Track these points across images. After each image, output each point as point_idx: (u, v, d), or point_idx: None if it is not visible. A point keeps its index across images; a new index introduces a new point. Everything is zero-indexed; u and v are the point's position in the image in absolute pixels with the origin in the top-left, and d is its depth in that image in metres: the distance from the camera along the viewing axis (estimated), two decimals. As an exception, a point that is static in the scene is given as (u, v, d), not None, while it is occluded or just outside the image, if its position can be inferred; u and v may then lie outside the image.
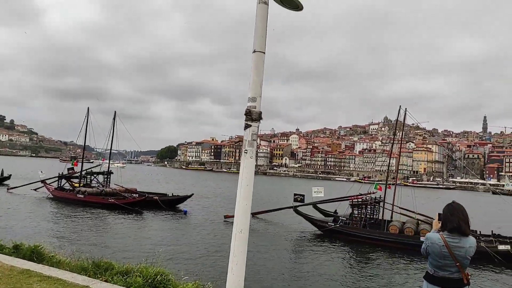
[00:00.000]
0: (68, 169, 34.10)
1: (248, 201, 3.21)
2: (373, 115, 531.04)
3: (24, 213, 23.60)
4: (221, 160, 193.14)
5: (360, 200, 21.38)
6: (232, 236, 3.22)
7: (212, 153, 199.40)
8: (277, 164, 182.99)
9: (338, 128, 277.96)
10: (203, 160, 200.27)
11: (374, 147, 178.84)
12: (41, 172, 34.39)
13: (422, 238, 16.27)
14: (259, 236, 20.59)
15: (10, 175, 43.63)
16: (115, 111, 32.80)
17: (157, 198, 29.43)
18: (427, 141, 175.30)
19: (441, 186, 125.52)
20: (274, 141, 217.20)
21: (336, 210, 24.74)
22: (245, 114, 3.25)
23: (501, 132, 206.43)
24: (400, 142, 23.26)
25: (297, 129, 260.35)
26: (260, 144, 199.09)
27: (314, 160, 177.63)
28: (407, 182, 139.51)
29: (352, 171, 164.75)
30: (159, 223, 23.06)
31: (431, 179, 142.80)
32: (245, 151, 3.21)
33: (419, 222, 20.09)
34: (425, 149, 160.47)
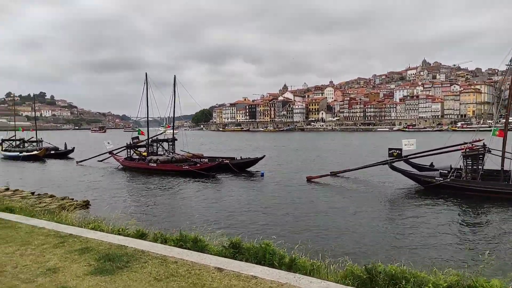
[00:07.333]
0: (133, 138, 33.67)
1: None
2: (409, 60, 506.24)
3: (107, 186, 23.43)
4: (257, 120, 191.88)
5: (468, 150, 19.07)
6: None
7: (247, 113, 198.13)
8: (313, 119, 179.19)
9: (373, 77, 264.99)
10: (238, 121, 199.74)
11: (415, 93, 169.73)
12: (108, 143, 33.90)
13: None
14: (352, 196, 19.17)
15: (74, 147, 44.53)
16: (174, 75, 31.26)
17: (227, 161, 28.59)
18: (475, 82, 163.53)
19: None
20: (308, 96, 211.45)
21: (432, 163, 22.70)
22: None
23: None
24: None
25: (331, 82, 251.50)
26: (294, 100, 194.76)
27: (352, 112, 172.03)
28: (455, 127, 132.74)
29: (394, 120, 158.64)
30: (248, 190, 22.06)
31: (481, 122, 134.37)
32: None
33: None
34: (473, 90, 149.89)
